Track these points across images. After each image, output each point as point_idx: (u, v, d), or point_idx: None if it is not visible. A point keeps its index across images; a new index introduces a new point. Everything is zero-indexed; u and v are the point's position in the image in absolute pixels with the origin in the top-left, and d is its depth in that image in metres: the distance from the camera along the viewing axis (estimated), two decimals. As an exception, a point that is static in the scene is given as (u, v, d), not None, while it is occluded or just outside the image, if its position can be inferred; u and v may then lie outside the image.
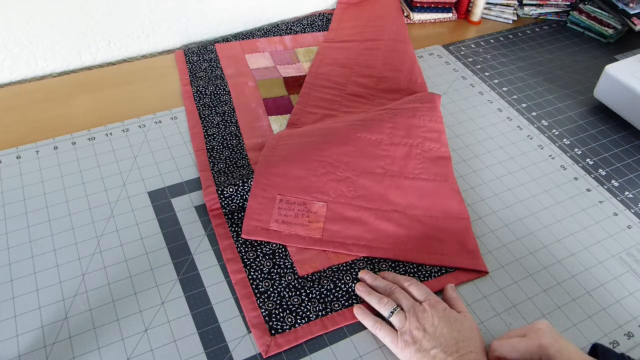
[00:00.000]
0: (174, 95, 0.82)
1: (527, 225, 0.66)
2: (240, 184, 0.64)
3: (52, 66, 0.85)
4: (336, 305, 0.56)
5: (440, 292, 0.57)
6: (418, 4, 1.02)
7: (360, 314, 0.54)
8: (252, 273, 0.58)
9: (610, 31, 0.99)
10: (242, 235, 0.61)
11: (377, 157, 0.68)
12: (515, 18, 1.06)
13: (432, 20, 1.04)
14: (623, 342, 0.54)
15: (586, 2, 1.02)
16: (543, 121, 0.82)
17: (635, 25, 0.97)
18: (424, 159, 0.69)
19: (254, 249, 0.60)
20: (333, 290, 0.57)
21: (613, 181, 0.72)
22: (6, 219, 0.62)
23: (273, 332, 0.53)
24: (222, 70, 0.86)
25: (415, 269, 0.60)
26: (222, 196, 0.64)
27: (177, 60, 0.88)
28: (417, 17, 1.03)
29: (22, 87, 0.82)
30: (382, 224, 0.63)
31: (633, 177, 0.73)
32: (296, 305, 0.55)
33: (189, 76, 0.85)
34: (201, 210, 0.64)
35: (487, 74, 0.91)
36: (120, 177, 0.68)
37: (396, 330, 0.51)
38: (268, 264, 0.59)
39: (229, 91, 0.82)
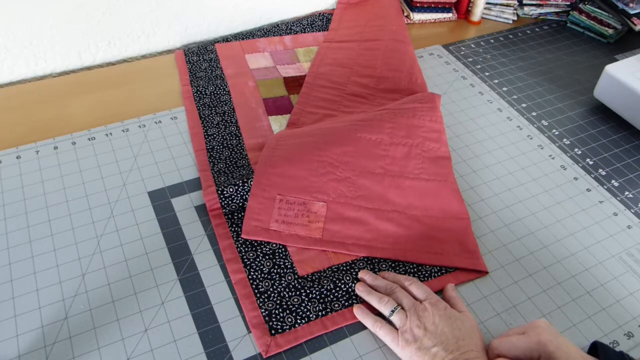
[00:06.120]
0: (174, 95, 0.82)
1: (527, 225, 0.66)
2: (240, 184, 0.64)
3: (52, 66, 0.85)
4: (336, 305, 0.56)
5: (440, 292, 0.57)
6: (418, 4, 1.02)
7: (360, 314, 0.54)
8: (252, 273, 0.58)
9: (610, 31, 0.99)
10: (242, 235, 0.61)
11: (377, 157, 0.68)
12: (515, 18, 1.06)
13: (432, 20, 1.04)
14: (623, 342, 0.54)
15: (586, 2, 1.02)
16: (543, 121, 0.82)
17: (635, 25, 0.97)
18: (424, 159, 0.69)
19: (254, 249, 0.60)
20: (333, 290, 0.57)
21: (613, 181, 0.72)
22: (6, 219, 0.62)
23: (273, 332, 0.53)
24: (222, 70, 0.86)
25: (415, 269, 0.60)
26: (222, 196, 0.64)
27: (177, 60, 0.88)
28: (417, 17, 1.03)
29: (22, 87, 0.82)
30: (382, 224, 0.63)
31: (633, 177, 0.73)
32: (296, 305, 0.55)
33: (189, 76, 0.85)
34: (201, 210, 0.64)
35: (487, 74, 0.91)
36: (120, 177, 0.68)
37: (396, 329, 0.51)
38: (268, 264, 0.59)
39: (229, 91, 0.82)
